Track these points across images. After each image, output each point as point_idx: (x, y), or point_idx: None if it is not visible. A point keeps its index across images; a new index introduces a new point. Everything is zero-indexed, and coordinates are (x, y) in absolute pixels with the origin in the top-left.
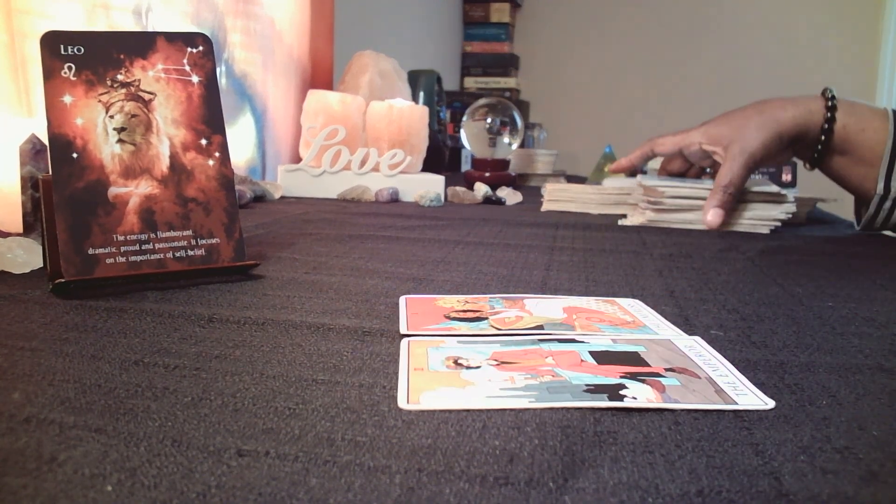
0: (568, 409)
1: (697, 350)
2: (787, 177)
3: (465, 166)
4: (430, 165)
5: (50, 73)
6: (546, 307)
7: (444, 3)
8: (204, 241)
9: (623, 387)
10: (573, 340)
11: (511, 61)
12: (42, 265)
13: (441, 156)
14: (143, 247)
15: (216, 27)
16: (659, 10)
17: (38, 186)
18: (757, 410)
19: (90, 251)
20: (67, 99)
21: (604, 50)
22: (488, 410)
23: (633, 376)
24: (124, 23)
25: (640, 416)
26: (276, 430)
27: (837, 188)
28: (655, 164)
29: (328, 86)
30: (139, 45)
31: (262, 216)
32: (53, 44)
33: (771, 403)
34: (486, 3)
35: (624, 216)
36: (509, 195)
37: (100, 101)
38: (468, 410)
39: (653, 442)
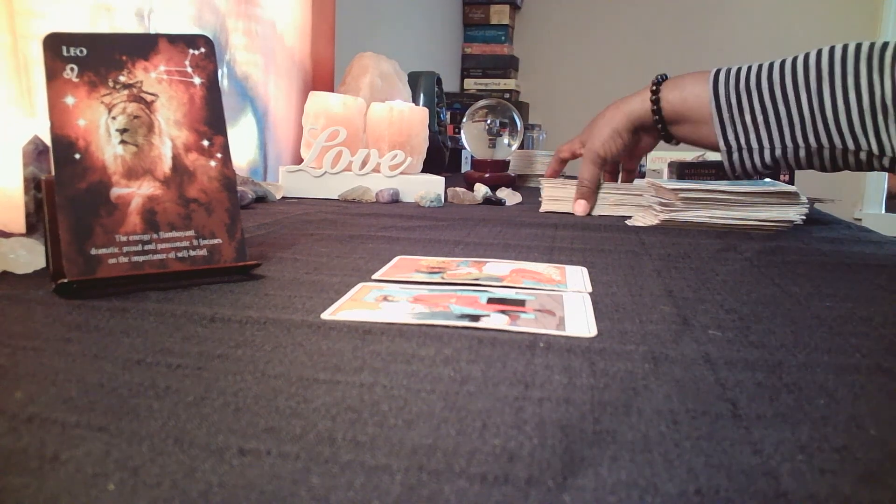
0: (445, 326)
1: (576, 303)
2: (784, 177)
3: (465, 167)
4: (430, 166)
5: (52, 75)
6: (497, 267)
7: (444, 5)
8: (206, 242)
9: (486, 316)
10: (479, 286)
11: (511, 63)
12: (45, 265)
13: (441, 157)
14: (146, 247)
15: (218, 29)
16: (658, 11)
17: (41, 187)
18: (586, 338)
19: (92, 251)
20: (70, 100)
21: (603, 51)
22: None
23: (503, 311)
24: (126, 24)
25: (638, 416)
26: (277, 429)
27: (835, 188)
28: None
29: (329, 87)
30: (141, 46)
31: (263, 217)
32: (56, 45)
33: (594, 332)
34: (486, 5)
35: (628, 217)
36: (509, 196)
37: (102, 102)
38: (380, 325)
39: (651, 441)
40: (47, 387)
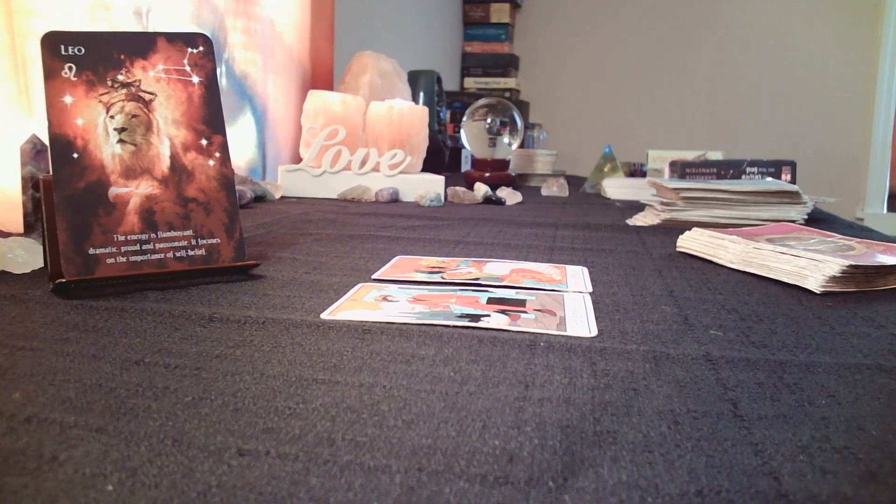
0: (446, 325)
1: (577, 302)
2: (786, 177)
3: (465, 166)
4: (430, 165)
5: (50, 74)
6: (497, 267)
7: (444, 4)
8: (204, 241)
9: (487, 316)
10: (480, 286)
11: (511, 62)
12: (43, 265)
13: (441, 156)
14: (144, 247)
15: (216, 27)
16: (658, 10)
17: (39, 187)
18: (586, 338)
19: (91, 251)
20: (68, 99)
21: (603, 50)
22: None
23: (503, 311)
24: (125, 23)
25: (639, 416)
26: (276, 429)
27: (837, 188)
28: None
29: (328, 86)
30: (140, 45)
31: (262, 216)
32: (54, 44)
33: (595, 332)
34: (486, 4)
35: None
36: (509, 195)
37: (100, 101)
38: (379, 325)
39: (652, 441)
40: (45, 387)
